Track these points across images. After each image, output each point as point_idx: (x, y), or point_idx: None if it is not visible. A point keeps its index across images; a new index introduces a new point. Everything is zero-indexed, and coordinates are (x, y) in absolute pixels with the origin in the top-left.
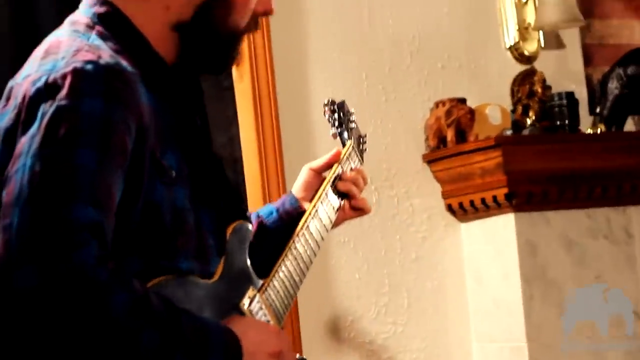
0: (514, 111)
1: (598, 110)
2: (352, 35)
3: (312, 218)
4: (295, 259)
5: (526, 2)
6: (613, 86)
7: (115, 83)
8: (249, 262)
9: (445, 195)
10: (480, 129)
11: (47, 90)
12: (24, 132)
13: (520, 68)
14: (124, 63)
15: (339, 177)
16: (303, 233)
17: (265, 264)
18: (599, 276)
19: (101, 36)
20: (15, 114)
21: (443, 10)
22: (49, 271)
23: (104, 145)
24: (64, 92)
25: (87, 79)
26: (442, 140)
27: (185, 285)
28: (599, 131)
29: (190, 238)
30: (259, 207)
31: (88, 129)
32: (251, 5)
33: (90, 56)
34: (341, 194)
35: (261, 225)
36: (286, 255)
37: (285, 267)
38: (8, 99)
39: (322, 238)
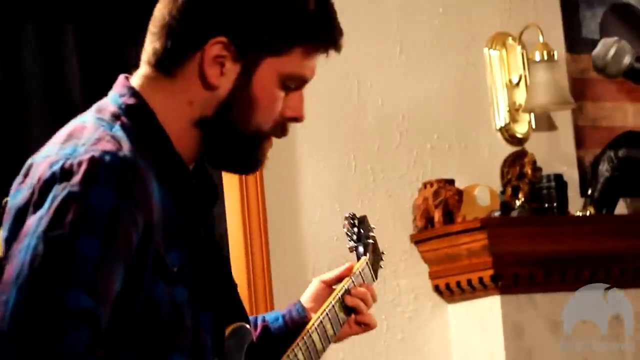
0: (503, 192)
1: (589, 192)
2: (341, 114)
3: (316, 328)
4: None
5: (517, 84)
6: (604, 168)
7: (129, 177)
8: None
9: (432, 275)
10: (468, 210)
11: (62, 174)
12: (34, 212)
13: (510, 149)
14: (142, 159)
15: (348, 291)
16: (305, 341)
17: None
18: (586, 359)
19: (124, 127)
20: (30, 193)
21: (433, 91)
22: (34, 352)
23: (109, 236)
24: (77, 178)
25: (102, 168)
26: (429, 221)
27: None
28: (588, 213)
29: (187, 335)
30: (242, 281)
31: (95, 218)
32: (275, 108)
33: (109, 147)
34: (348, 308)
35: (266, 329)
36: None
37: None
38: (25, 176)
39: (324, 349)
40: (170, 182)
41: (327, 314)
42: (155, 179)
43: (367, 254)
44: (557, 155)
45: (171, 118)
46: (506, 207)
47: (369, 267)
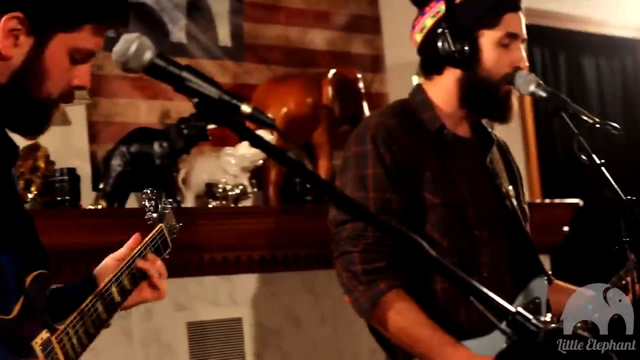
0: None
1: (101, 186)
2: None
3: (101, 295)
4: (84, 324)
5: None
6: (116, 163)
7: None
8: (46, 308)
9: None
10: None
11: None
12: None
13: (24, 143)
14: None
15: (138, 256)
16: (89, 308)
17: (62, 316)
18: None
19: None
20: None
21: None
22: None
23: None
24: None
25: None
26: None
27: None
28: (100, 207)
29: None
30: None
31: None
32: (64, 78)
33: None
34: (136, 277)
35: (60, 290)
36: (76, 317)
37: (74, 327)
38: None
39: (110, 313)
40: None
41: (114, 281)
42: None
43: (163, 225)
44: (71, 149)
45: None
46: None
47: (165, 234)
